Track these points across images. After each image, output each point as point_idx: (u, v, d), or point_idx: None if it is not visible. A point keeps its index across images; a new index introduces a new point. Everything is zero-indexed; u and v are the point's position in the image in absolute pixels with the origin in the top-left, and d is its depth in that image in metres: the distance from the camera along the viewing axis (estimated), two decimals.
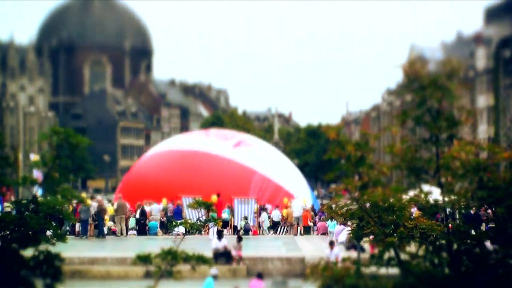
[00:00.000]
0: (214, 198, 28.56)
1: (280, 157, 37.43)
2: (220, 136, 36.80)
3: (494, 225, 15.33)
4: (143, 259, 14.71)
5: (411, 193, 14.63)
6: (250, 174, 33.13)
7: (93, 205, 27.11)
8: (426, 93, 13.45)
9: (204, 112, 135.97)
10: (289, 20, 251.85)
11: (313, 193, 35.96)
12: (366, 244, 18.62)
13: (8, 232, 14.91)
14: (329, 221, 26.57)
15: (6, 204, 28.82)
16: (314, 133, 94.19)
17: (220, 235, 21.41)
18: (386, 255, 13.84)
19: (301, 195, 32.94)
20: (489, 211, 16.88)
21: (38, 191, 15.15)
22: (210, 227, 25.65)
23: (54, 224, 15.91)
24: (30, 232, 15.03)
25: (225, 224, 28.22)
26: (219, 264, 20.19)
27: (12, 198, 33.93)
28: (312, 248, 22.94)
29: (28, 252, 14.81)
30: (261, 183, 32.81)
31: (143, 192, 32.51)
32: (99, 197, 38.40)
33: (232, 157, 34.13)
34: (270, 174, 33.58)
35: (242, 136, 39.11)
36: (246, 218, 28.65)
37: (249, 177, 32.94)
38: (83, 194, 27.26)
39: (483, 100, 69.83)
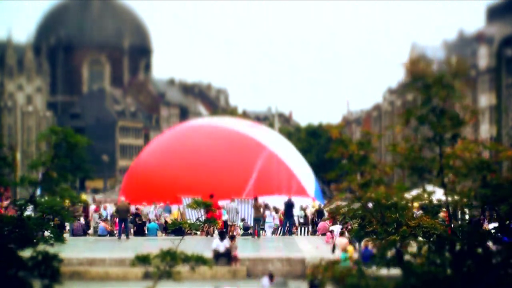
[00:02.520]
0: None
1: (291, 146, 38.65)
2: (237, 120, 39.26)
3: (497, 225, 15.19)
4: (142, 260, 14.58)
5: (414, 192, 14.52)
6: (260, 148, 34.20)
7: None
8: (431, 91, 13.35)
9: (204, 111, 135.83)
10: (289, 19, 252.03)
11: (317, 183, 36.14)
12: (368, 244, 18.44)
13: (6, 233, 14.78)
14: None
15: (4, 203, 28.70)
16: (315, 132, 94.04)
17: (222, 236, 21.23)
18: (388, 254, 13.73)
19: (306, 182, 33.36)
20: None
21: (37, 191, 15.05)
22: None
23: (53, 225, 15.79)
24: (34, 233, 14.92)
25: (225, 224, 28.07)
26: (220, 265, 20.04)
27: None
28: (313, 249, 22.79)
29: (26, 253, 14.66)
30: (268, 159, 33.62)
31: (153, 178, 33.48)
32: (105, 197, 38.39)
33: (247, 132, 35.65)
34: (280, 153, 34.53)
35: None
36: (243, 219, 28.58)
37: (259, 152, 33.96)
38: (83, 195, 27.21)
39: (485, 99, 69.73)
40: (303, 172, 34.64)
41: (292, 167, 34.04)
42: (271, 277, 16.93)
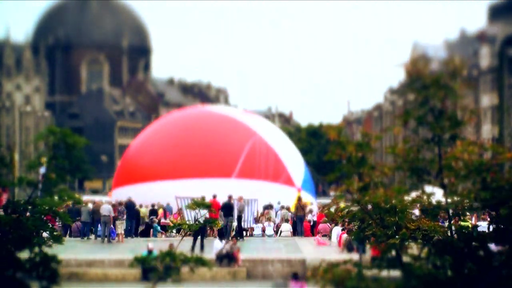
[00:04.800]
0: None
1: (282, 135, 38.46)
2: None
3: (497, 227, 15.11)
4: (141, 261, 14.54)
5: (414, 194, 14.45)
6: (250, 134, 34.11)
7: (89, 207, 26.79)
8: (428, 92, 13.27)
9: None
10: (290, 18, 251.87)
11: (309, 175, 35.94)
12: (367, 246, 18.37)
13: (4, 234, 14.71)
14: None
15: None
16: (315, 133, 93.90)
17: (222, 236, 21.11)
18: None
19: (293, 171, 33.32)
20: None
21: (37, 192, 14.99)
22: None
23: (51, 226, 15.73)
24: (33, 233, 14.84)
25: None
26: (222, 266, 19.95)
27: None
28: (313, 250, 22.72)
29: (24, 254, 14.58)
30: (256, 144, 33.58)
31: (145, 157, 33.91)
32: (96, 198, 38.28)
33: (238, 118, 35.68)
34: (269, 140, 34.34)
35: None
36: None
37: (248, 137, 33.88)
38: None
39: (487, 99, 69.61)
40: (291, 160, 34.46)
41: (280, 155, 33.93)
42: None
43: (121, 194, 32.65)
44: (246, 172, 32.28)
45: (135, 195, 30.40)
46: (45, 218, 15.01)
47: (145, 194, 31.54)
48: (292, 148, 36.46)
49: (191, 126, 34.79)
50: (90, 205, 27.18)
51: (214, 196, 28.62)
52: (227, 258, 20.22)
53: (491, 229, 15.93)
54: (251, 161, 32.67)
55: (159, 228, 28.06)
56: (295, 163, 34.55)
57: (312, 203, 31.99)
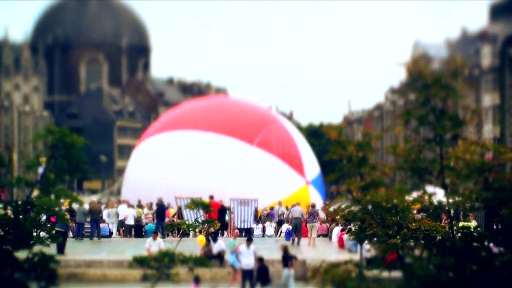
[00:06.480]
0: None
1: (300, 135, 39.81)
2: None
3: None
4: (140, 262, 14.47)
5: (415, 194, 14.38)
6: (274, 120, 36.27)
7: (85, 207, 26.54)
8: (430, 92, 13.20)
9: None
10: (290, 17, 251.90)
11: (321, 174, 36.29)
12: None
13: (2, 234, 14.64)
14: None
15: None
16: (316, 132, 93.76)
17: (214, 238, 20.95)
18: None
19: (306, 164, 34.47)
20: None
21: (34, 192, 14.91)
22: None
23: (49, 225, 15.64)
24: (32, 233, 14.76)
25: (225, 226, 27.86)
26: (213, 267, 19.85)
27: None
28: (314, 251, 22.64)
29: (22, 254, 14.50)
30: (276, 130, 35.20)
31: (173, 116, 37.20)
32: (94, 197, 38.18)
33: (263, 107, 38.69)
34: (291, 131, 36.16)
35: None
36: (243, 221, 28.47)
37: (272, 121, 35.86)
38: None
39: (488, 99, 69.48)
40: (307, 155, 35.65)
41: (298, 145, 35.23)
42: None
43: (150, 142, 35.03)
44: (266, 144, 34.00)
45: (161, 142, 33.04)
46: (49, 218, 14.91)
47: (173, 142, 33.93)
48: (308, 147, 37.72)
49: (222, 104, 38.11)
50: (86, 206, 26.98)
51: (212, 197, 28.56)
52: (218, 258, 20.06)
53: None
54: (271, 136, 34.44)
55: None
56: (310, 159, 35.92)
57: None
